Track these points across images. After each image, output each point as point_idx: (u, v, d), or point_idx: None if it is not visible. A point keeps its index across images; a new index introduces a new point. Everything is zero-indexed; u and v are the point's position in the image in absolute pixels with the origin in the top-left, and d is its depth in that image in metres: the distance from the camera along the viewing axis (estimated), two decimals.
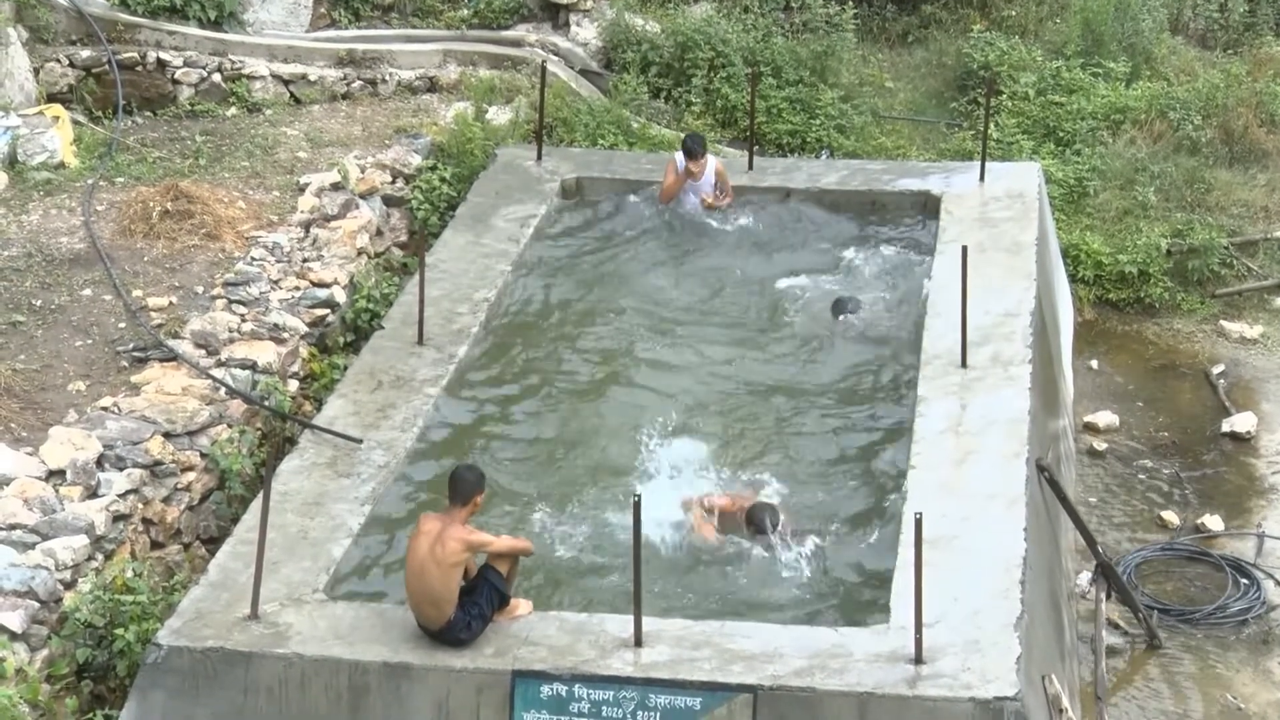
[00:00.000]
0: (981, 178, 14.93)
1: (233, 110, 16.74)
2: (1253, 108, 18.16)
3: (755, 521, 10.63)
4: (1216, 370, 15.52)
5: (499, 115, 16.51)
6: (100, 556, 10.36)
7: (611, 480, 11.32)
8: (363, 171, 15.12)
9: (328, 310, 13.10)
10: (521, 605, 9.61)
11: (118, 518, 10.59)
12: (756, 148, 16.03)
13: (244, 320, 12.58)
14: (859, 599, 10.17)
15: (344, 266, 13.61)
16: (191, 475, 11.26)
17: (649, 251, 14.39)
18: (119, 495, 10.64)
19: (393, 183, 15.30)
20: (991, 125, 16.49)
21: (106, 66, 16.61)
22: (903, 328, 13.03)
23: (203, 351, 12.15)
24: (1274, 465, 14.15)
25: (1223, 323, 16.28)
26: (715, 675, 9.02)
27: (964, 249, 12.19)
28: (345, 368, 12.50)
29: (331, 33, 17.87)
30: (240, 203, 14.52)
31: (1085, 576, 12.38)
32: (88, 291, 12.99)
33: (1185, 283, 16.58)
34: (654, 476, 11.30)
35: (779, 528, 10.59)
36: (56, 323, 12.57)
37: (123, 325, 12.57)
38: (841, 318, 13.12)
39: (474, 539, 9.34)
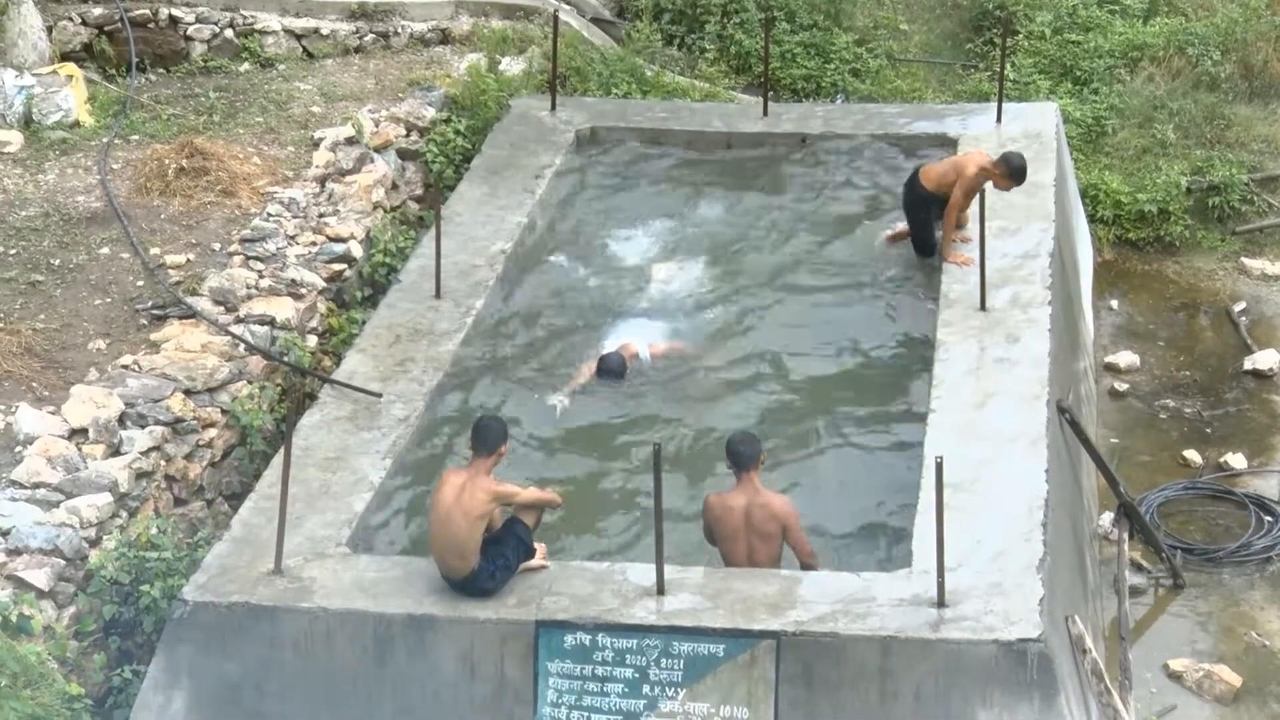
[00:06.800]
0: (998, 119, 14.81)
1: (245, 66, 16.69)
2: (1272, 42, 17.98)
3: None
4: (1238, 308, 15.44)
5: (512, 66, 16.43)
6: (124, 514, 10.40)
7: (631, 427, 11.32)
8: (377, 125, 15.06)
9: (345, 265, 13.09)
10: (539, 550, 9.60)
11: (141, 475, 10.63)
12: (771, 93, 15.94)
13: (261, 276, 12.58)
14: (881, 543, 10.18)
15: (360, 221, 13.59)
16: (213, 432, 11.29)
17: (663, 196, 14.33)
18: (141, 453, 10.67)
19: (407, 136, 15.24)
20: (1008, 66, 16.35)
21: (119, 24, 16.58)
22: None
23: (221, 308, 12.16)
24: None
25: (1244, 260, 16.18)
26: (738, 622, 9.02)
27: (981, 191, 12.13)
28: (363, 322, 12.50)
29: None
30: (255, 159, 14.49)
31: (1108, 517, 12.36)
32: (105, 250, 13.00)
33: (1205, 220, 16.47)
34: (671, 422, 11.31)
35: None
36: (75, 282, 12.59)
37: (141, 283, 12.58)
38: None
39: (501, 490, 9.34)
